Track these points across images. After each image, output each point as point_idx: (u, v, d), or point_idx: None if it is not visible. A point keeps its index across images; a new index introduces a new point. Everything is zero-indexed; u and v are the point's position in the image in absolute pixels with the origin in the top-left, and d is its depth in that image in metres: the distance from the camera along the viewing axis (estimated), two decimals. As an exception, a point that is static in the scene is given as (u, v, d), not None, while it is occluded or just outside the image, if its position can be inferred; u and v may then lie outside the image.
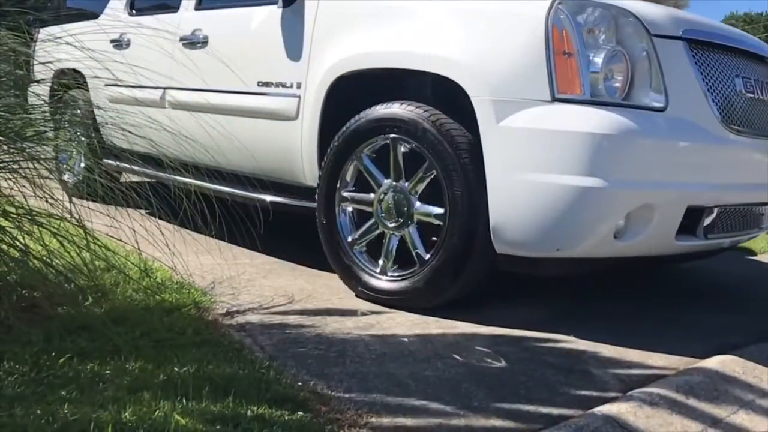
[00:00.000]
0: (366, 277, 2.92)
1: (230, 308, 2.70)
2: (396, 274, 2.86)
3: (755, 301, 3.32)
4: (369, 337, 2.46)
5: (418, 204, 2.83)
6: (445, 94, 2.76)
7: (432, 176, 2.76)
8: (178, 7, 4.11)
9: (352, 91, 3.06)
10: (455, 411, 1.93)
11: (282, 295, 2.92)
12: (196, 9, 4.01)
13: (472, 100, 2.60)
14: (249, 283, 3.07)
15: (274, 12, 3.39)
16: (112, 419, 1.69)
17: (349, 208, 3.05)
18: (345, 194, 3.03)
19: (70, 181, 4.62)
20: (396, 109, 2.84)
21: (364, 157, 2.96)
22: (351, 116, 2.99)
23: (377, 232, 2.95)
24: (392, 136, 2.84)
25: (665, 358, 2.36)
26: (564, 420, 1.89)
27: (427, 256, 2.77)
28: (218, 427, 1.72)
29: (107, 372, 1.99)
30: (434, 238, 2.77)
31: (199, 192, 2.70)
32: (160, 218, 2.61)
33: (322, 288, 3.06)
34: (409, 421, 1.87)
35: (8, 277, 2.40)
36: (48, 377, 1.94)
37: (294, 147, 3.29)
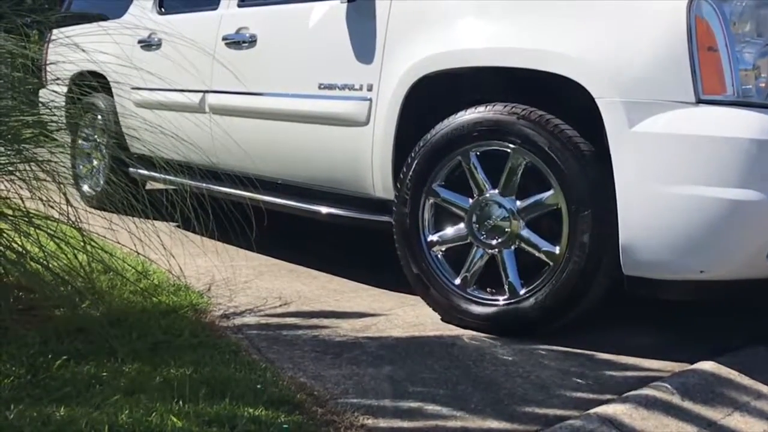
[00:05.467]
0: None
1: (227, 310, 2.70)
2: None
3: (750, 302, 3.32)
4: (365, 338, 2.46)
5: (519, 203, 2.55)
6: (553, 97, 2.51)
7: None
8: (217, 5, 3.80)
9: (435, 94, 2.78)
10: (451, 413, 1.94)
11: (279, 297, 2.92)
12: (240, 6, 3.69)
13: (599, 102, 2.32)
14: (246, 285, 3.07)
15: (337, 7, 3.07)
16: (108, 421, 1.69)
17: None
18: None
19: (90, 191, 4.47)
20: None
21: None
22: (432, 122, 2.69)
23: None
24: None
25: (661, 360, 2.36)
26: (560, 421, 1.89)
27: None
28: (215, 429, 1.73)
29: (104, 374, 1.99)
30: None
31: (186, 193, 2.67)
32: (155, 220, 2.61)
33: (319, 290, 3.06)
34: (405, 424, 1.87)
35: (5, 279, 2.40)
36: (44, 379, 1.94)
37: (363, 155, 2.97)
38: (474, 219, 2.62)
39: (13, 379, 1.92)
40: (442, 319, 2.68)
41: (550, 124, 2.44)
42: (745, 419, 2.03)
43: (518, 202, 2.54)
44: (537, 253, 2.51)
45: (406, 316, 2.74)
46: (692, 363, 2.29)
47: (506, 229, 2.55)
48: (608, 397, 2.06)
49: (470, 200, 2.64)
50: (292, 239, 3.99)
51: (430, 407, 1.97)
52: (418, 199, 2.73)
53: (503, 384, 2.13)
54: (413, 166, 2.72)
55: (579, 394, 2.09)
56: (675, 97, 2.23)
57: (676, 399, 2.03)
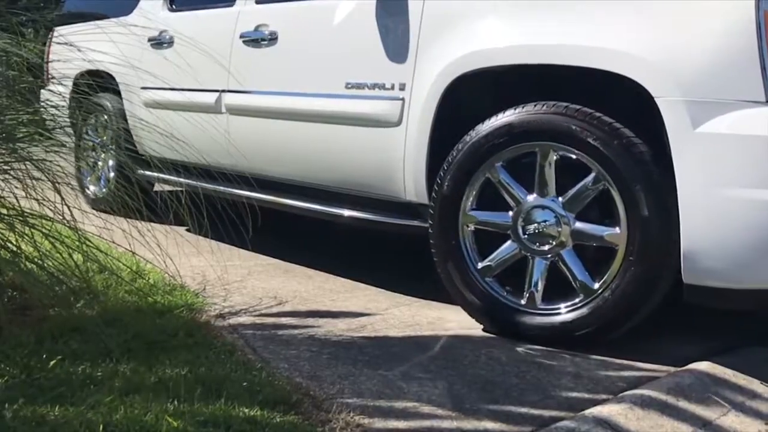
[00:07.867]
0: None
1: (222, 310, 2.70)
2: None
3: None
4: (361, 339, 2.46)
5: (578, 224, 2.42)
6: (602, 96, 2.40)
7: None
8: (233, 1, 3.68)
9: (471, 94, 2.67)
10: (447, 413, 1.94)
11: (274, 297, 2.92)
12: (258, 2, 3.56)
13: (658, 102, 2.21)
14: (241, 285, 3.07)
15: (366, 3, 2.95)
16: (103, 421, 1.69)
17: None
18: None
19: (94, 193, 4.42)
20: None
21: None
22: (467, 123, 2.58)
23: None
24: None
25: (656, 361, 2.36)
26: (555, 422, 1.89)
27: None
28: (210, 429, 1.72)
29: (99, 374, 1.99)
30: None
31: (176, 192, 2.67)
32: (150, 220, 2.60)
33: (315, 289, 3.06)
34: (400, 424, 1.87)
35: (0, 279, 2.39)
36: (39, 379, 1.94)
37: (394, 157, 2.84)
38: (523, 215, 2.51)
39: (8, 379, 1.92)
40: (469, 319, 2.64)
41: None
42: (741, 419, 2.03)
43: (578, 223, 2.42)
44: (571, 280, 2.43)
45: (402, 315, 2.74)
46: (687, 363, 2.30)
47: (552, 241, 2.45)
48: (604, 397, 2.06)
49: (528, 196, 2.51)
50: (287, 239, 3.99)
51: (426, 407, 1.97)
52: (472, 169, 2.58)
53: (499, 384, 2.13)
54: (481, 134, 2.55)
55: (574, 395, 2.09)
56: (743, 96, 2.14)
57: (671, 399, 2.04)
